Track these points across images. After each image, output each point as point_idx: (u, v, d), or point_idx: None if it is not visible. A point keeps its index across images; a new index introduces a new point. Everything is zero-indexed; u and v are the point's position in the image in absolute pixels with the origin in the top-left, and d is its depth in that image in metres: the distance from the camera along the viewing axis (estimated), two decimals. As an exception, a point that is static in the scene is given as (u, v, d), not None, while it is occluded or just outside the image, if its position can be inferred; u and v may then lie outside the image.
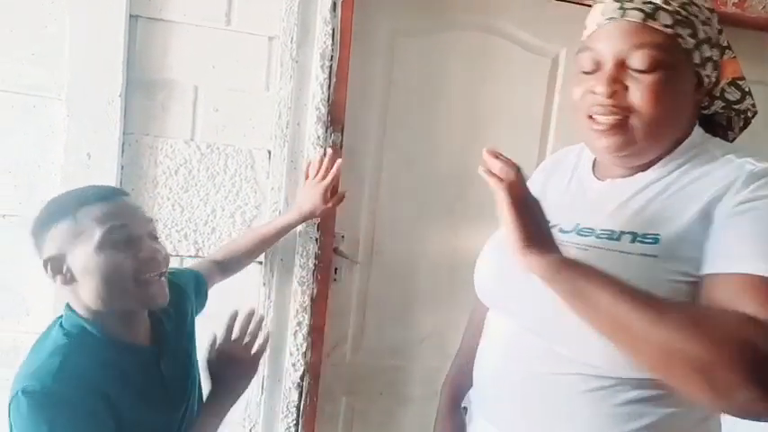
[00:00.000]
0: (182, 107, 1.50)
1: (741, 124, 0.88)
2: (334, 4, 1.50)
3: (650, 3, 0.74)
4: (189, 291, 1.14)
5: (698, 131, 0.83)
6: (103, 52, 1.41)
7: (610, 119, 0.77)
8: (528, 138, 1.78)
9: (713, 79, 0.80)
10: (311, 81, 1.52)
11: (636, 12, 0.74)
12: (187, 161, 1.51)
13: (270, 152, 1.54)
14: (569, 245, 0.81)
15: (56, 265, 0.90)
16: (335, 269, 1.72)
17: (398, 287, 1.79)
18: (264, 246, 1.46)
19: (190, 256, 1.54)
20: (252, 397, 1.62)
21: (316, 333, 1.63)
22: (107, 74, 1.42)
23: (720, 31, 0.81)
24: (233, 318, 1.10)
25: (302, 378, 1.63)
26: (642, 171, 0.83)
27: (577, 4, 1.74)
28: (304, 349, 1.61)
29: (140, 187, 1.50)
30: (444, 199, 1.77)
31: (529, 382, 0.82)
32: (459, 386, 1.10)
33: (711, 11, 0.78)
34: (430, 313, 1.81)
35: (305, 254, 1.57)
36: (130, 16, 1.43)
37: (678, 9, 0.74)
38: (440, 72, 1.71)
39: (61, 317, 0.94)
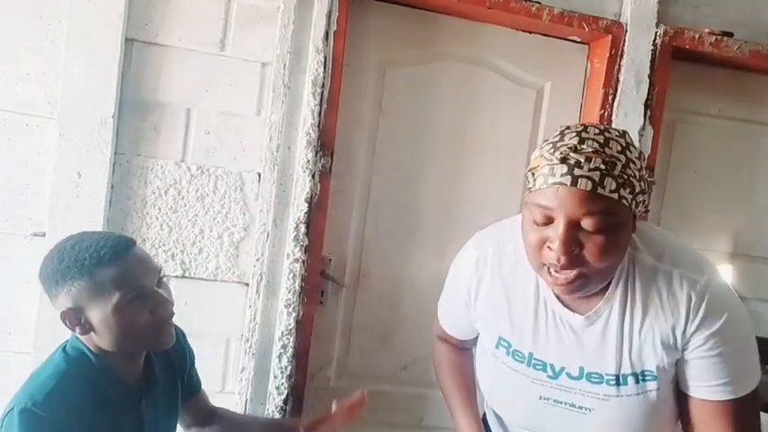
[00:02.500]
0: (174, 129, 1.52)
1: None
2: (327, 34, 1.55)
3: (596, 169, 0.78)
4: (183, 342, 1.18)
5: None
6: (98, 74, 1.44)
7: (567, 275, 0.82)
8: (513, 166, 1.82)
9: (644, 208, 0.86)
10: (302, 107, 1.56)
11: (585, 180, 0.78)
12: (177, 182, 1.53)
13: (260, 175, 1.56)
14: (587, 394, 0.91)
15: (73, 318, 0.94)
16: (322, 292, 1.73)
17: (384, 312, 1.80)
18: None
19: (176, 276, 1.54)
20: (234, 420, 1.60)
21: (300, 356, 1.63)
22: (101, 95, 1.44)
23: (645, 168, 0.86)
24: None
25: (285, 402, 1.62)
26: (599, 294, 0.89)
27: (562, 39, 1.80)
28: (288, 372, 1.61)
29: (129, 207, 1.51)
30: (430, 224, 1.79)
31: None
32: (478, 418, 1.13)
33: (639, 155, 0.84)
34: (414, 339, 1.81)
35: (291, 276, 1.58)
36: (126, 40, 1.47)
37: (620, 173, 0.79)
38: (428, 101, 1.76)
39: (67, 342, 1.00)
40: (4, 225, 1.45)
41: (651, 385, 0.89)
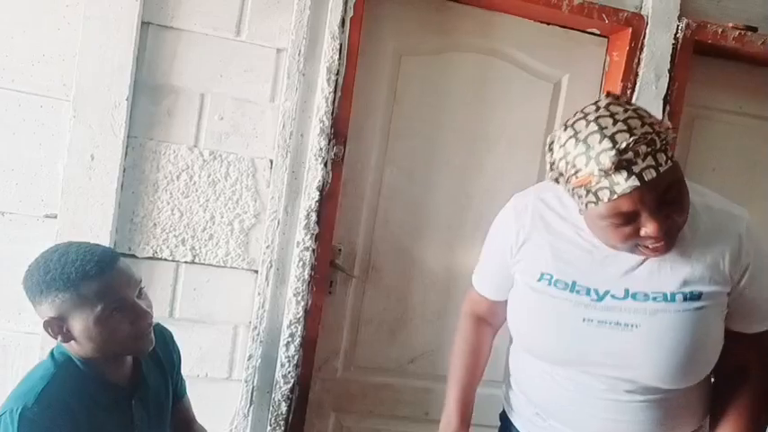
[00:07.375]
0: (187, 114, 1.52)
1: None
2: (343, 21, 1.54)
3: (647, 155, 0.84)
4: (170, 343, 1.23)
5: None
6: (113, 57, 1.44)
7: (663, 241, 0.89)
8: (527, 160, 1.80)
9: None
10: (317, 94, 1.55)
11: (648, 170, 0.84)
12: (189, 167, 1.52)
13: (272, 162, 1.56)
14: (633, 311, 0.93)
15: (56, 327, 0.98)
16: (331, 282, 1.72)
17: (392, 304, 1.79)
18: None
19: (186, 262, 1.54)
20: (240, 408, 1.60)
21: (308, 346, 1.62)
22: (115, 78, 1.44)
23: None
24: None
25: (292, 391, 1.61)
26: None
27: (581, 31, 1.78)
28: (296, 361, 1.60)
29: (141, 191, 1.51)
30: (442, 217, 1.77)
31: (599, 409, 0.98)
32: (468, 406, 1.16)
33: (646, 112, 0.90)
34: (422, 332, 1.80)
35: (301, 264, 1.57)
36: (142, 23, 1.46)
37: (660, 143, 0.85)
38: (443, 91, 1.74)
39: (55, 347, 1.04)
40: (17, 206, 1.46)
41: (698, 303, 0.92)
